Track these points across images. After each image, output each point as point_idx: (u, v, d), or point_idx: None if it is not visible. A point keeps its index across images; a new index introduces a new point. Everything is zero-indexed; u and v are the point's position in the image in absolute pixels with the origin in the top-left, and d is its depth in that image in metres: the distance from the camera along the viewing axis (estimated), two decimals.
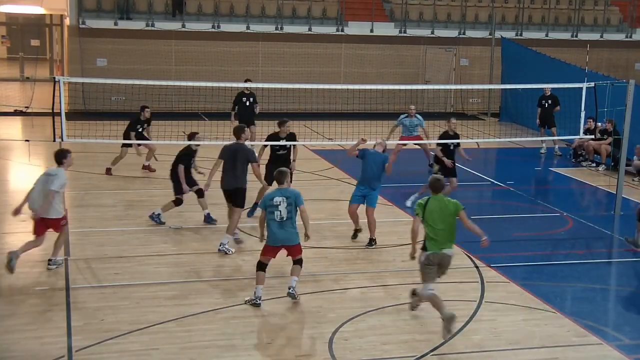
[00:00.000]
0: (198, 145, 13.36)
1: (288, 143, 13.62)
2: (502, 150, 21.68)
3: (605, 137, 18.52)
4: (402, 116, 17.69)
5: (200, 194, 13.14)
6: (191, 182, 13.24)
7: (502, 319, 9.51)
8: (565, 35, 30.10)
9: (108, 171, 16.85)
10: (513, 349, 8.73)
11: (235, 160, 11.69)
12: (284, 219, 9.67)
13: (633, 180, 17.56)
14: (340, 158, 17.78)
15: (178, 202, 13.17)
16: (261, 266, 9.81)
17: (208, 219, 13.23)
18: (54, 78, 13.34)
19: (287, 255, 9.96)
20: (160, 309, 9.47)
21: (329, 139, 20.34)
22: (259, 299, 9.65)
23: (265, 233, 9.84)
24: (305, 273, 10.82)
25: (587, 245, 12.91)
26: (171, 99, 23.27)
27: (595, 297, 10.54)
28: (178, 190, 13.12)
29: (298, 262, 9.94)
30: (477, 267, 11.33)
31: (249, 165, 11.87)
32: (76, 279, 10.40)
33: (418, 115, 17.69)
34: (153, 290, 10.12)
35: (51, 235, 10.79)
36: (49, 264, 10.81)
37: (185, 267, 11.08)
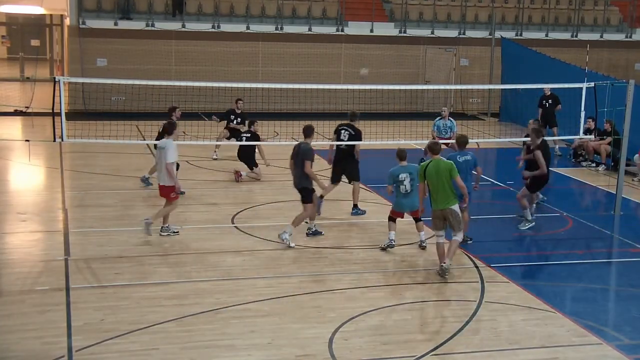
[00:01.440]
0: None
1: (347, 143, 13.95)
2: (502, 150, 21.67)
3: (605, 137, 18.52)
4: (436, 119, 17.99)
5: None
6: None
7: (502, 319, 9.50)
8: (565, 35, 30.11)
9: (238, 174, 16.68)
10: (513, 349, 8.73)
11: (296, 157, 12.30)
12: (408, 191, 11.71)
13: (633, 180, 17.57)
14: None
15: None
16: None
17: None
18: (54, 78, 13.35)
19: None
20: (160, 309, 9.46)
21: (329, 139, 20.31)
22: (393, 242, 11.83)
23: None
24: (305, 273, 10.84)
25: (587, 245, 12.90)
26: (171, 99, 23.23)
27: (595, 297, 10.54)
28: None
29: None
30: (477, 267, 11.33)
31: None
32: (76, 279, 10.39)
33: (451, 119, 17.96)
34: (153, 290, 10.12)
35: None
36: (161, 231, 12.25)
37: (185, 267, 11.08)
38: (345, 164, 13.94)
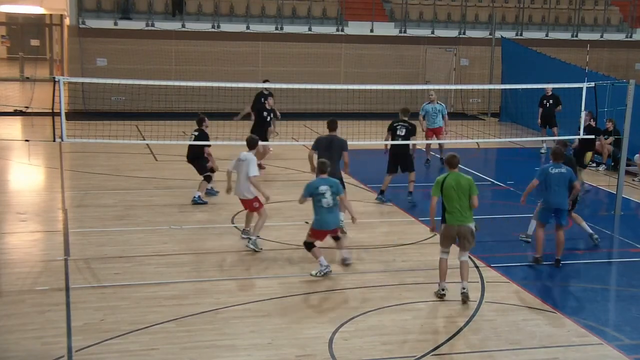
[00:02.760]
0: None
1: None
2: (502, 150, 21.68)
3: (606, 137, 18.51)
4: (425, 103, 18.46)
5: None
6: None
7: (502, 319, 9.50)
8: (565, 35, 30.09)
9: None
10: (513, 349, 8.73)
11: (330, 150, 12.57)
12: (331, 205, 10.68)
13: (633, 180, 17.56)
14: None
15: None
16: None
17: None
18: (54, 78, 13.36)
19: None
20: (160, 309, 9.46)
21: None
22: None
23: None
24: (305, 273, 10.83)
25: (587, 245, 12.90)
26: (171, 99, 23.25)
27: (595, 297, 10.53)
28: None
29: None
30: (477, 267, 11.32)
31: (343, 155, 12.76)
32: (76, 279, 10.39)
33: (440, 102, 18.29)
34: (153, 290, 10.11)
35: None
36: (245, 236, 12.09)
37: (185, 267, 11.07)
38: (401, 157, 14.88)
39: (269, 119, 17.91)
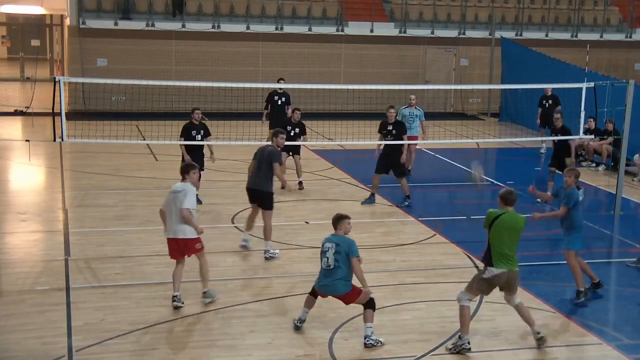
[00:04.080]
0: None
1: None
2: (502, 150, 21.69)
3: (605, 137, 18.53)
4: (403, 107, 17.57)
5: None
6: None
7: (502, 319, 9.51)
8: (565, 35, 30.09)
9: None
10: (513, 349, 8.73)
11: (261, 162, 11.51)
12: (331, 267, 8.72)
13: (633, 180, 17.57)
14: (340, 158, 17.78)
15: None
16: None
17: None
18: (54, 78, 13.36)
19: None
20: (160, 309, 9.47)
21: (329, 139, 20.35)
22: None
23: None
24: (305, 273, 10.83)
25: (587, 245, 12.89)
26: (171, 99, 23.26)
27: (595, 297, 10.53)
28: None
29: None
30: (477, 267, 11.32)
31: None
32: (76, 279, 10.40)
33: (419, 107, 17.59)
34: (153, 290, 10.11)
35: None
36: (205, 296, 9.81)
37: (185, 267, 11.05)
38: (392, 157, 14.72)
39: (279, 102, 17.71)
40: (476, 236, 12.60)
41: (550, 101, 20.47)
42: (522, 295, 10.31)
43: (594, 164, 19.25)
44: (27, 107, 24.65)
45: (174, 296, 9.51)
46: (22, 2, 30.81)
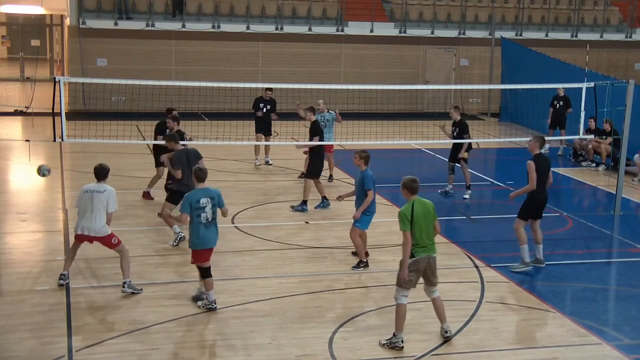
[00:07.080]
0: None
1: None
2: (502, 150, 21.68)
3: (604, 137, 18.53)
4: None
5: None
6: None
7: (502, 319, 9.51)
8: (565, 35, 30.10)
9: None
10: (513, 349, 8.74)
11: (190, 164, 11.72)
12: (209, 219, 9.30)
13: (633, 180, 17.57)
14: (340, 158, 17.78)
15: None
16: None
17: None
18: (54, 78, 13.34)
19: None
20: (160, 309, 9.47)
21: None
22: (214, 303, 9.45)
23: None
24: (305, 273, 10.83)
25: (587, 245, 12.91)
26: (171, 99, 23.24)
27: (595, 297, 10.53)
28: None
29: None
30: (477, 267, 11.33)
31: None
32: (76, 279, 10.40)
33: (330, 110, 16.33)
34: (153, 290, 10.12)
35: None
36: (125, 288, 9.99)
37: (185, 267, 11.07)
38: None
39: (265, 110, 17.74)
40: (476, 236, 12.63)
41: (561, 102, 20.35)
42: (523, 295, 10.35)
43: (593, 164, 19.24)
44: (27, 107, 24.65)
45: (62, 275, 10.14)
46: (22, 2, 30.81)
